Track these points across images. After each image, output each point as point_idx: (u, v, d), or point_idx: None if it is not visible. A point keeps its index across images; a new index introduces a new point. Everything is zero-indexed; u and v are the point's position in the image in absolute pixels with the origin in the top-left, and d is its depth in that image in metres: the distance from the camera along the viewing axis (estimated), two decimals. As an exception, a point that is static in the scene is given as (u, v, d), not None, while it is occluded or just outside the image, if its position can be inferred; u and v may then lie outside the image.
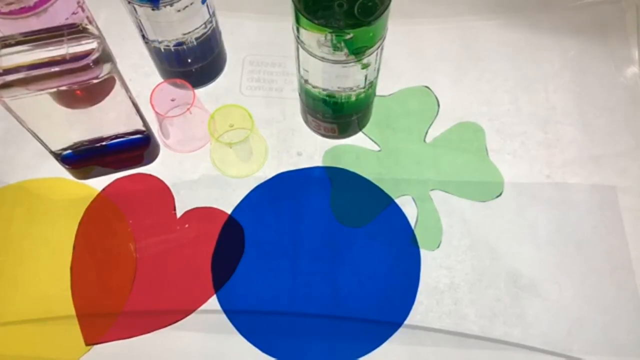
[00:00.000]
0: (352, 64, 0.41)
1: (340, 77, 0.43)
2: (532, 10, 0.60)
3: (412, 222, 0.50)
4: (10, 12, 0.41)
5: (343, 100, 0.47)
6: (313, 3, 0.38)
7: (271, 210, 0.51)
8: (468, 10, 0.60)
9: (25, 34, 0.38)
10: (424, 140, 0.54)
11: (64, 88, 0.39)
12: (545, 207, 0.51)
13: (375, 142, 0.54)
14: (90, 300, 0.47)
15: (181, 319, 0.46)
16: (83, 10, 0.45)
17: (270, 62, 0.58)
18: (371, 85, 0.47)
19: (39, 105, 0.41)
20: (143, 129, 0.49)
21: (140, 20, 0.46)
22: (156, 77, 0.55)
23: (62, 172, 0.50)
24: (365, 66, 0.42)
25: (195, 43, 0.49)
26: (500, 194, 0.51)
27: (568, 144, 0.54)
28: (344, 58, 0.40)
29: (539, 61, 0.58)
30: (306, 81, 0.46)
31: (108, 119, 0.46)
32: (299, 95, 0.51)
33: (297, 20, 0.39)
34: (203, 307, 0.47)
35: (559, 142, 0.54)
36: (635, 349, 0.45)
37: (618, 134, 0.54)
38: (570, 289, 0.47)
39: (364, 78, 0.44)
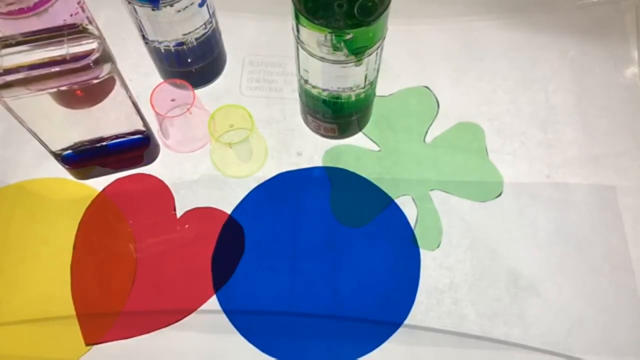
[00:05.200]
0: (352, 64, 0.41)
1: (340, 77, 0.43)
2: (532, 10, 0.60)
3: (412, 222, 0.50)
4: (10, 13, 0.41)
5: (343, 101, 0.47)
6: (313, 3, 0.38)
7: (271, 211, 0.51)
8: (468, 10, 0.60)
9: (26, 34, 0.38)
10: (424, 140, 0.54)
11: (64, 88, 0.39)
12: (545, 207, 0.51)
13: (375, 142, 0.54)
14: (90, 300, 0.47)
15: (181, 319, 0.46)
16: (83, 11, 0.45)
17: (270, 62, 0.58)
18: (371, 85, 0.47)
19: (39, 105, 0.41)
20: (143, 129, 0.49)
21: (140, 21, 0.46)
22: (156, 77, 0.55)
23: (62, 172, 0.50)
24: (364, 66, 0.42)
25: (195, 43, 0.49)
26: (500, 194, 0.51)
27: (568, 144, 0.54)
28: (343, 58, 0.40)
29: (539, 61, 0.58)
30: (306, 81, 0.46)
31: (108, 119, 0.46)
32: (299, 95, 0.51)
33: (297, 20, 0.39)
34: (203, 307, 0.47)
35: (559, 142, 0.54)
36: (635, 349, 0.45)
37: (618, 134, 0.54)
38: (570, 289, 0.47)
39: (363, 78, 0.44)
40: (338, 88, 0.45)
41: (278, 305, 0.47)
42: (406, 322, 0.46)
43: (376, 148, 0.53)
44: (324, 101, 0.47)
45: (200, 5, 0.46)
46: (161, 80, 0.54)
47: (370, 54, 0.41)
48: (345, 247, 0.49)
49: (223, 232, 0.50)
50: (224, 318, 0.46)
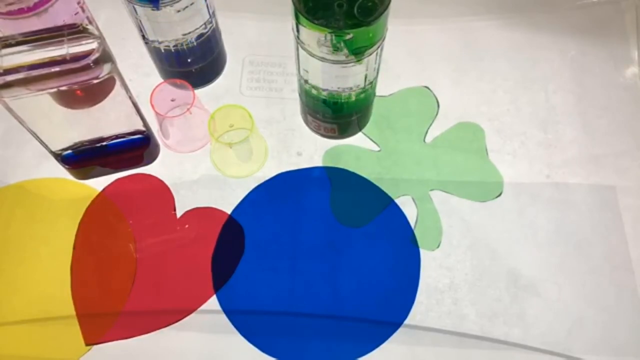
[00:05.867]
0: (352, 64, 0.41)
1: (340, 77, 0.43)
2: (532, 10, 0.60)
3: (412, 222, 0.50)
4: (10, 13, 0.41)
5: (343, 101, 0.47)
6: (313, 3, 0.38)
7: (271, 211, 0.51)
8: (468, 11, 0.60)
9: (26, 34, 0.38)
10: (424, 140, 0.54)
11: (64, 88, 0.39)
12: (545, 207, 0.51)
13: (375, 142, 0.54)
14: (90, 300, 0.47)
15: (181, 319, 0.46)
16: (83, 11, 0.45)
17: (270, 62, 0.58)
18: (371, 85, 0.47)
19: (39, 105, 0.41)
20: (143, 129, 0.49)
21: (140, 21, 0.46)
22: (156, 77, 0.55)
23: (62, 172, 0.50)
24: (364, 66, 0.42)
25: (195, 43, 0.49)
26: (500, 194, 0.51)
27: (568, 144, 0.54)
28: (343, 58, 0.40)
29: (539, 61, 0.58)
30: (306, 81, 0.46)
31: (108, 119, 0.46)
32: (299, 95, 0.51)
33: (297, 20, 0.39)
34: (203, 307, 0.47)
35: (559, 142, 0.54)
36: (635, 349, 0.45)
37: (618, 134, 0.54)
38: (570, 289, 0.47)
39: (363, 78, 0.44)
40: (338, 88, 0.45)
41: (278, 305, 0.47)
42: (406, 322, 0.46)
43: (376, 148, 0.53)
44: (324, 101, 0.47)
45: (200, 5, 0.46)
46: (161, 80, 0.54)
47: (370, 54, 0.41)
48: (345, 247, 0.49)
49: (223, 232, 0.50)
50: (224, 318, 0.46)
